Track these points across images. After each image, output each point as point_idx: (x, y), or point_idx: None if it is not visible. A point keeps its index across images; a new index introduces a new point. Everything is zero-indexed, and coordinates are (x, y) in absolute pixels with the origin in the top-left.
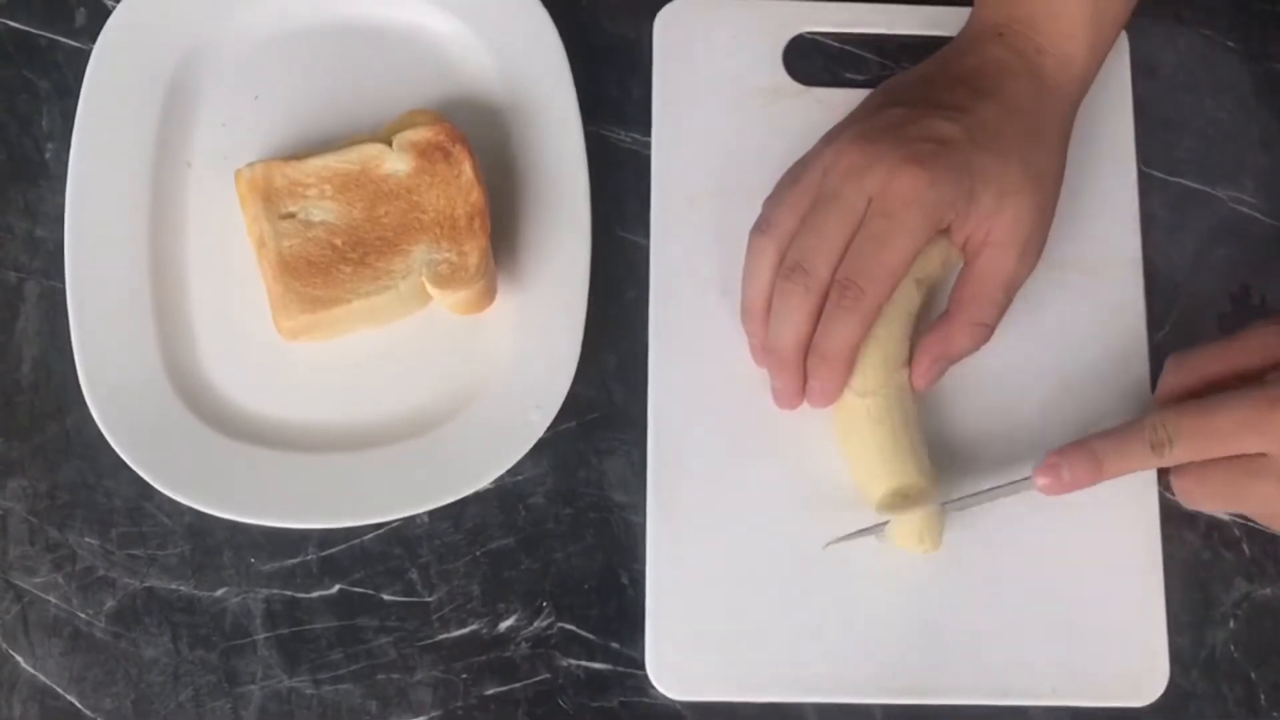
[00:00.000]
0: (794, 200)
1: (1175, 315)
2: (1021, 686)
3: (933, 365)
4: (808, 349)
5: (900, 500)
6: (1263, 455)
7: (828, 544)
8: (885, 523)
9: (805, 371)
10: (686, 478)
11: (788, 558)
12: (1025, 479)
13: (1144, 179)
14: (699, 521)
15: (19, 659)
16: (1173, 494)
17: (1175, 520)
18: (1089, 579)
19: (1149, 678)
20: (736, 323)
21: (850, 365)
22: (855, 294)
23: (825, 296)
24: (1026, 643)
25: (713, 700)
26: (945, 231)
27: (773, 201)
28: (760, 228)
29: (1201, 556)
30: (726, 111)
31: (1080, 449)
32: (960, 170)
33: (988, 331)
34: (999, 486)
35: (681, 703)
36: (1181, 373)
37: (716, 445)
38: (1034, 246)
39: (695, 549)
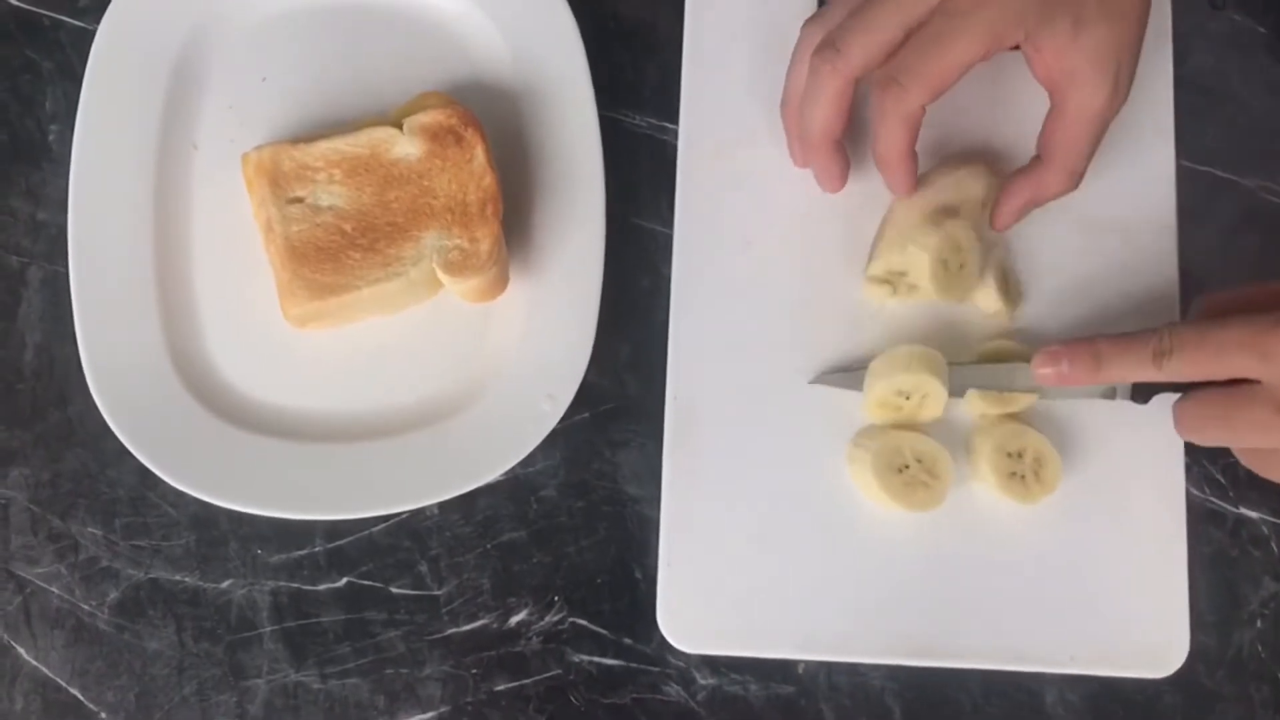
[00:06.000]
0: None
1: None
2: (1039, 653)
3: (1022, 208)
4: (837, 137)
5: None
6: (1258, 382)
7: (812, 380)
8: (864, 371)
9: (841, 157)
10: (704, 429)
11: (803, 515)
12: (1024, 365)
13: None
14: (715, 474)
15: (21, 650)
16: (1202, 491)
17: (1202, 519)
18: (1111, 547)
19: (1169, 649)
20: (760, 273)
21: (905, 166)
22: (896, 93)
23: (855, 83)
24: (1045, 610)
25: (721, 654)
26: (988, 170)
27: None
28: (813, 17)
29: (1229, 555)
30: (759, 54)
31: (1084, 346)
32: None
33: (1077, 179)
34: (998, 364)
35: (693, 656)
36: (1209, 307)
37: (735, 398)
38: (1123, 82)
39: (711, 501)
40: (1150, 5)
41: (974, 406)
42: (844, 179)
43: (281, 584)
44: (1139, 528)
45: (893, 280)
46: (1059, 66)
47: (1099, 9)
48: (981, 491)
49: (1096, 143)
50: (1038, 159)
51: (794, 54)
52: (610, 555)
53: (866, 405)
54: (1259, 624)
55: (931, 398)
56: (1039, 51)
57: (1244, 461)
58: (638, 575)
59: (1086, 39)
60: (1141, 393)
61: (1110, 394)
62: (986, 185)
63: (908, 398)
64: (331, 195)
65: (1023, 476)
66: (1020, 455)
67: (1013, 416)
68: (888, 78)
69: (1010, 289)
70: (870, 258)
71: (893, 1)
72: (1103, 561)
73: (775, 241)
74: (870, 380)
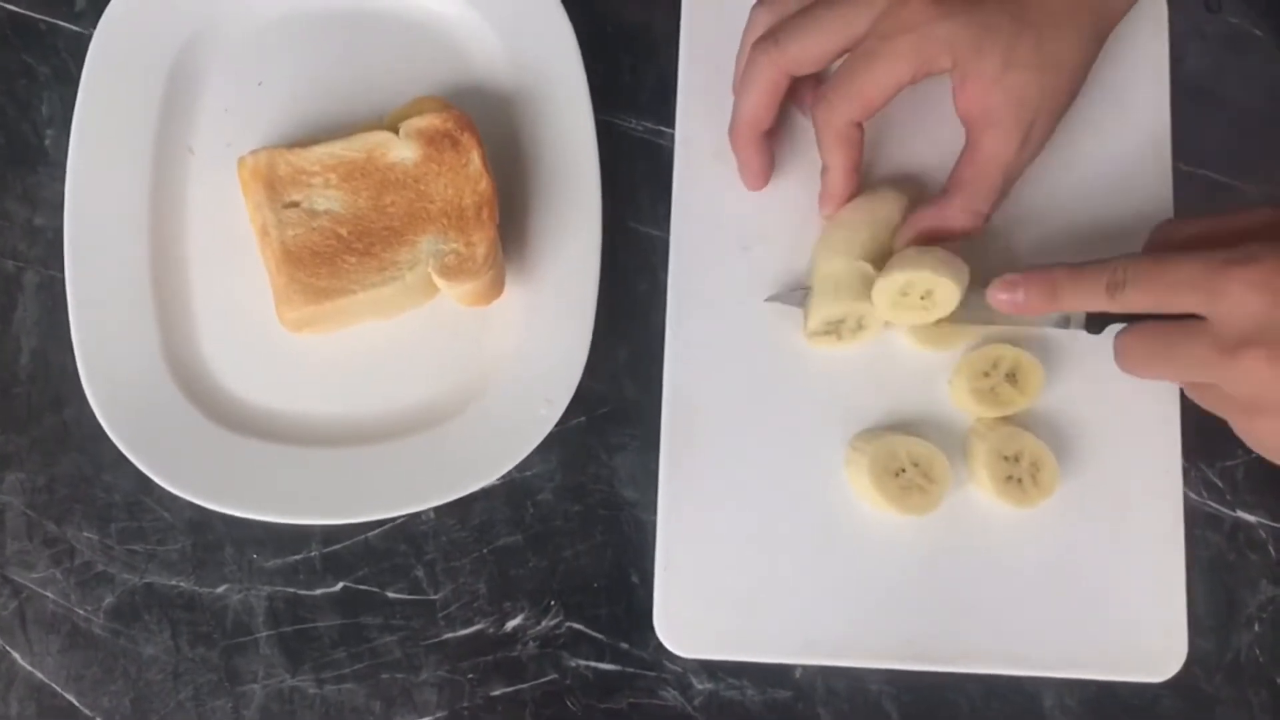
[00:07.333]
0: None
1: None
2: (1037, 657)
3: (921, 236)
4: (765, 130)
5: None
6: (1202, 319)
7: (767, 298)
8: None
9: (764, 153)
10: (701, 432)
11: (800, 519)
12: (978, 290)
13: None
14: (712, 478)
15: (16, 656)
16: (1200, 495)
17: (1200, 522)
18: (1108, 551)
19: (1167, 653)
20: (756, 279)
21: (837, 186)
22: (824, 109)
23: (788, 77)
24: (1043, 614)
25: (718, 659)
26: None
27: None
28: (763, 1)
29: (1226, 559)
30: None
31: (1041, 274)
32: (973, 20)
33: (983, 219)
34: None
35: (690, 660)
36: (1167, 233)
37: (732, 401)
38: (1035, 135)
39: (708, 505)
40: (1089, 64)
41: (968, 410)
42: (765, 177)
43: (277, 589)
44: (1137, 531)
45: (833, 329)
46: (979, 103)
47: (1033, 55)
48: (978, 495)
49: (1003, 188)
50: (945, 191)
51: (743, 37)
52: (607, 559)
53: (808, 327)
54: (1257, 628)
55: (868, 319)
56: (964, 84)
57: (1189, 394)
58: (634, 579)
59: (1012, 82)
60: (1095, 323)
61: (1064, 323)
62: (902, 210)
63: (843, 321)
64: (327, 199)
65: (1019, 480)
66: (1017, 459)
67: (1008, 420)
68: (819, 94)
69: None
70: (805, 313)
71: (840, 8)
72: (1100, 565)
73: (771, 245)
74: (815, 301)
